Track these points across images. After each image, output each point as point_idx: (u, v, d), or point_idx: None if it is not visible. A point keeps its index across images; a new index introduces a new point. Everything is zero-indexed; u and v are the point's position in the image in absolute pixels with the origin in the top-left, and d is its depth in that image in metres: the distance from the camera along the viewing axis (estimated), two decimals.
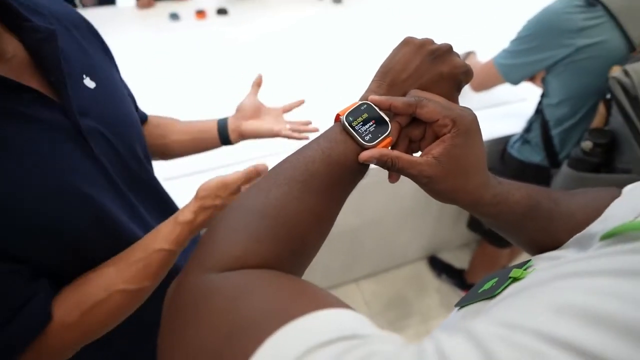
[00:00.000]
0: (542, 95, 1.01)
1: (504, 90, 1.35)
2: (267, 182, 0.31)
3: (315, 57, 1.62)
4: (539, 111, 1.02)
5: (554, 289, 0.19)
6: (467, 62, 1.10)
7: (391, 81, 0.36)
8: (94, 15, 2.20)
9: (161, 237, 0.50)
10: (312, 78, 1.45)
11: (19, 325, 0.39)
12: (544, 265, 0.29)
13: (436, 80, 0.36)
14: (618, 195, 0.35)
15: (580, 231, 0.31)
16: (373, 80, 0.38)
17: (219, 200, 0.53)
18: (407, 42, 0.37)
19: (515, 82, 1.02)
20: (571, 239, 0.31)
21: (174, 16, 1.89)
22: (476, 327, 0.17)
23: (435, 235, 1.64)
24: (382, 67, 0.38)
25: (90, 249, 0.47)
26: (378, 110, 0.35)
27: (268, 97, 1.29)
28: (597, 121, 0.82)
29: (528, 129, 1.06)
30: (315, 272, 1.45)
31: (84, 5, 2.07)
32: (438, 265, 1.66)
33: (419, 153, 0.36)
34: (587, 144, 0.79)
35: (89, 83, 0.49)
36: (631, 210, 0.25)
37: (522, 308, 0.18)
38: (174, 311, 0.25)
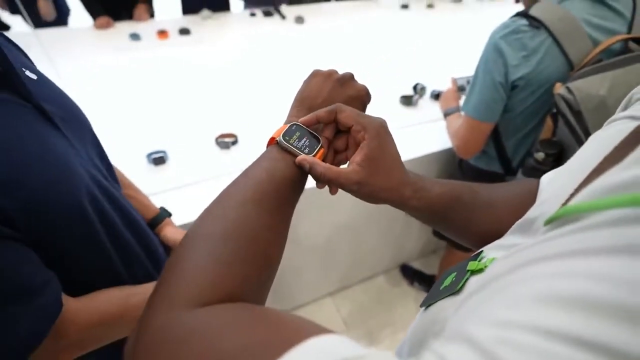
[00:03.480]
0: None
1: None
2: (219, 208, 0.32)
3: (277, 75, 1.64)
4: None
5: (527, 278, 0.19)
6: (450, 122, 1.12)
7: (309, 106, 0.42)
8: (52, 35, 2.12)
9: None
10: (274, 96, 1.47)
11: (44, 302, 0.40)
12: (499, 254, 0.30)
13: (346, 101, 0.43)
14: (535, 184, 0.40)
15: (499, 218, 0.35)
16: (292, 107, 0.43)
17: None
18: (316, 74, 0.44)
19: (495, 117, 0.96)
20: (513, 226, 0.34)
21: (135, 36, 1.86)
22: (472, 331, 0.17)
23: (405, 244, 1.68)
24: (298, 96, 0.44)
25: (91, 228, 0.48)
26: (305, 127, 0.40)
27: (232, 118, 1.31)
28: (545, 133, 0.89)
29: None
30: (291, 288, 1.44)
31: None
32: (410, 273, 1.70)
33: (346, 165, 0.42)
34: (539, 155, 0.86)
35: (31, 75, 0.49)
36: (562, 193, 0.27)
37: (506, 302, 0.18)
38: (146, 356, 0.22)
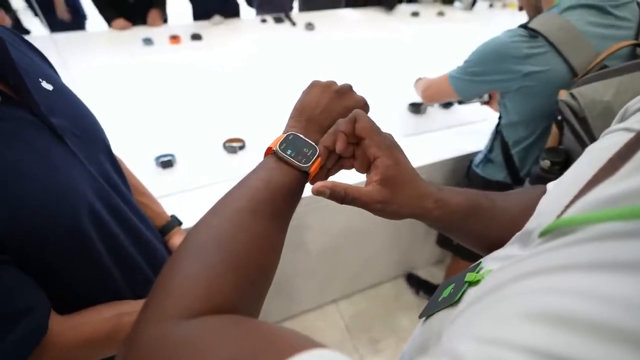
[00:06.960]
0: (500, 118, 1.09)
1: (468, 111, 1.45)
2: (214, 218, 0.32)
3: (286, 81, 1.65)
4: (498, 132, 1.09)
5: (517, 293, 0.19)
6: (419, 81, 1.21)
7: (308, 117, 0.42)
8: (66, 39, 2.17)
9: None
10: (283, 102, 1.48)
11: (21, 333, 0.40)
12: (496, 265, 0.30)
13: (345, 112, 0.42)
14: (545, 191, 0.39)
15: (516, 224, 0.34)
16: (291, 118, 0.43)
17: None
18: (315, 85, 0.44)
19: (466, 97, 1.06)
20: (513, 237, 0.34)
21: (148, 41, 1.90)
22: (458, 348, 0.17)
23: (411, 252, 1.66)
24: (296, 106, 0.43)
25: (89, 247, 0.47)
26: (303, 137, 0.39)
27: (240, 122, 1.32)
28: (551, 141, 0.89)
29: (490, 149, 1.12)
30: (294, 294, 1.44)
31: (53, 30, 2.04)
32: (415, 282, 1.68)
33: (352, 171, 0.42)
34: (545, 163, 0.86)
35: (47, 85, 0.49)
36: (558, 205, 0.27)
37: (494, 318, 0.18)
38: None
